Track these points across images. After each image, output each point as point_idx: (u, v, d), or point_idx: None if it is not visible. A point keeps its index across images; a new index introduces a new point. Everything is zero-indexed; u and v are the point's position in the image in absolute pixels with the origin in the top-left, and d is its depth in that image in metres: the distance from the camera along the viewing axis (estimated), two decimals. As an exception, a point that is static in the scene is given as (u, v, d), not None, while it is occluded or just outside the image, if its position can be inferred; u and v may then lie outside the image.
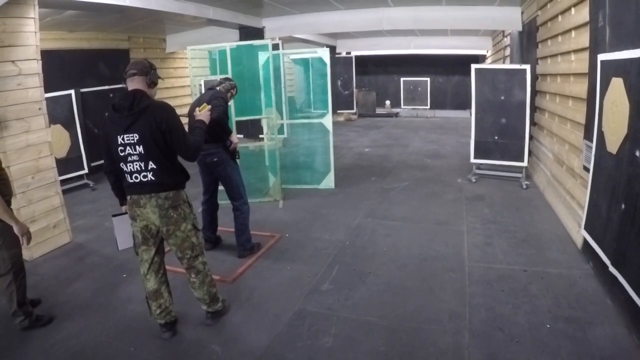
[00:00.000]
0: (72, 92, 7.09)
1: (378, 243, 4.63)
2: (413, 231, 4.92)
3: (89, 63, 8.24)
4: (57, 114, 6.79)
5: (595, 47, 3.98)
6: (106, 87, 8.11)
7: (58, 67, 7.35)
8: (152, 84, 2.85)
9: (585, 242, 3.99)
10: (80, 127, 7.24)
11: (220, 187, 4.44)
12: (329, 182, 6.74)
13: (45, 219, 4.62)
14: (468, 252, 4.32)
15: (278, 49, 6.51)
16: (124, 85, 2.84)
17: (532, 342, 2.89)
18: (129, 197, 2.90)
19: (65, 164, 6.73)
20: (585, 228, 3.97)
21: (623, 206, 3.18)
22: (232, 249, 4.47)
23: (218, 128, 4.06)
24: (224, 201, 4.56)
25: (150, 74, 2.82)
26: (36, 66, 4.45)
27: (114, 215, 3.13)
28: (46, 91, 4.68)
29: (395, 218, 5.37)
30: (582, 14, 4.41)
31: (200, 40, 8.59)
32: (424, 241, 4.63)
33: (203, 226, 4.41)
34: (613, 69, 3.41)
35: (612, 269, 3.27)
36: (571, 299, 3.39)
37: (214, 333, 3.16)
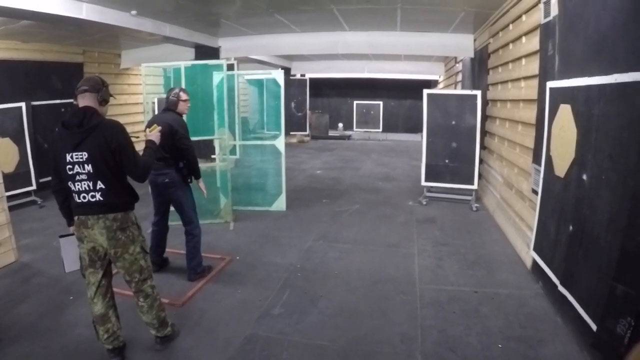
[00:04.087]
0: (22, 104, 6.80)
1: (329, 266, 4.53)
2: (364, 254, 4.86)
3: (41, 75, 7.87)
4: (6, 127, 6.53)
5: (544, 75, 4.12)
6: (58, 101, 7.78)
7: (9, 78, 7.06)
8: (104, 101, 2.77)
9: (535, 262, 4.05)
10: (30, 141, 6.92)
11: (172, 209, 4.27)
12: (280, 204, 6.63)
13: (-12, 236, 4.28)
14: (419, 274, 4.29)
15: (233, 69, 6.41)
16: (74, 102, 2.73)
17: (485, 365, 2.85)
18: (76, 218, 2.77)
19: (12, 180, 6.43)
20: (535, 249, 4.04)
21: (571, 227, 3.25)
22: (181, 272, 4.27)
23: (190, 169, 4.09)
24: (174, 222, 4.36)
25: (102, 91, 2.74)
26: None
27: (61, 236, 2.97)
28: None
29: (346, 241, 5.29)
30: (533, 42, 4.59)
31: (156, 58, 8.42)
32: (375, 264, 4.57)
33: (149, 247, 4.18)
34: (561, 95, 3.53)
35: (561, 288, 3.33)
36: (522, 318, 3.41)
37: (164, 358, 3.02)
